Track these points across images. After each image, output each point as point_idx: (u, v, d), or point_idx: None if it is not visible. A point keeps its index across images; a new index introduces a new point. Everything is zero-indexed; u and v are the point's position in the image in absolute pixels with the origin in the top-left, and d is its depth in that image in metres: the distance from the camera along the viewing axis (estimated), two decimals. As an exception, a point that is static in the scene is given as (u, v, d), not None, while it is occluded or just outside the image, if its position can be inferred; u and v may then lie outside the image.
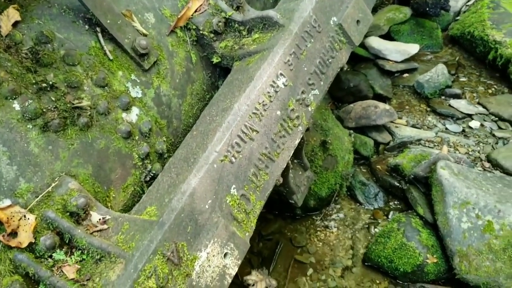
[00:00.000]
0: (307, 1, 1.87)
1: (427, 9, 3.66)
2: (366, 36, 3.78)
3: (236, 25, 1.95)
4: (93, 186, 1.59)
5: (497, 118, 3.15)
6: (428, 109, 3.31)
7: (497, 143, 2.95)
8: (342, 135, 2.82)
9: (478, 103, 3.30)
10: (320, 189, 2.67)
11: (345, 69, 2.03)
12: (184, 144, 1.69)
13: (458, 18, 3.99)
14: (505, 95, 3.33)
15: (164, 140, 1.82)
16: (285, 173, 1.91)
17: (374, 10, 4.13)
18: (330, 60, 1.92)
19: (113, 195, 1.67)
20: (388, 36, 3.86)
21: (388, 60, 3.61)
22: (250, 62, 1.81)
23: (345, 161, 2.77)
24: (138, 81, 1.76)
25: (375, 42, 3.66)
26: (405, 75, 3.61)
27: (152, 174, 1.77)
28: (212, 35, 1.93)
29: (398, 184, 2.76)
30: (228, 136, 1.56)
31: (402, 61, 3.61)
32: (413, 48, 3.62)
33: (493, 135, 3.02)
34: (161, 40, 1.85)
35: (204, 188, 1.47)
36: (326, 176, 2.67)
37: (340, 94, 3.40)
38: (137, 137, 1.72)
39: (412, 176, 2.64)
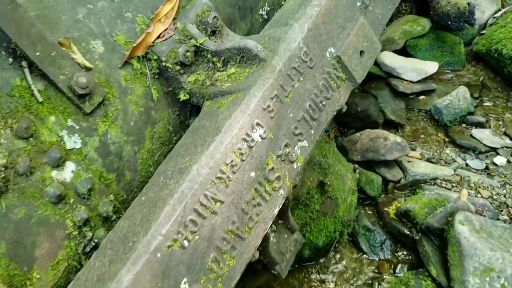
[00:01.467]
0: (296, 28, 1.48)
1: (449, 22, 3.23)
2: (378, 50, 3.37)
3: (209, 55, 1.57)
4: (7, 269, 1.23)
5: (526, 154, 2.73)
6: (447, 139, 2.89)
7: (526, 185, 2.53)
8: (344, 172, 2.43)
9: (505, 134, 2.87)
10: (317, 238, 2.29)
11: (343, 110, 1.64)
12: (129, 212, 1.32)
13: (484, 32, 3.54)
14: (537, 125, 2.90)
15: (111, 200, 1.45)
16: (264, 243, 1.53)
17: (389, 21, 3.70)
18: (324, 103, 1.53)
19: (38, 276, 1.30)
20: (403, 51, 3.43)
21: (402, 79, 3.19)
22: (221, 105, 1.43)
23: (346, 204, 2.37)
24: (77, 127, 1.39)
25: (388, 59, 3.24)
26: (421, 97, 3.19)
27: (94, 243, 1.41)
28: (178, 67, 1.55)
29: (408, 233, 2.36)
30: (181, 211, 1.18)
31: (419, 81, 3.19)
32: (432, 67, 3.19)
33: (522, 175, 2.59)
34: (111, 74, 1.47)
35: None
36: (324, 222, 2.29)
37: (346, 119, 3.00)
38: (71, 200, 1.36)
39: (425, 226, 2.24)
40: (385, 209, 2.49)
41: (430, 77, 3.25)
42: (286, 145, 1.41)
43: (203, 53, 1.58)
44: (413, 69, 3.18)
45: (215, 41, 1.61)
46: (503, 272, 1.89)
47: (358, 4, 1.67)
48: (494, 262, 1.92)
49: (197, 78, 1.56)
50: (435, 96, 3.17)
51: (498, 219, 2.36)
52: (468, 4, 3.17)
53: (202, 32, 1.59)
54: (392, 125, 3.00)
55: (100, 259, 1.22)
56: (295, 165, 1.44)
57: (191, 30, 1.56)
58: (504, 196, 2.48)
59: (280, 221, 1.72)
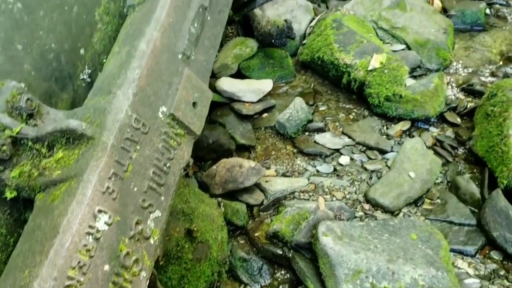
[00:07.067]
0: (121, 96, 1.42)
1: (273, 40, 3.41)
2: (216, 77, 3.44)
3: (30, 142, 1.42)
4: None
5: (364, 148, 3.00)
6: (295, 150, 3.05)
7: (371, 178, 2.78)
8: (209, 211, 2.41)
9: (343, 133, 3.13)
10: (196, 287, 2.23)
11: (191, 164, 1.61)
12: None
13: (304, 42, 3.81)
14: (366, 119, 3.21)
15: None
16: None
17: (220, 45, 3.79)
18: (168, 164, 1.49)
19: None
20: (239, 74, 3.55)
21: (244, 102, 3.29)
22: (55, 198, 1.30)
23: (218, 243, 2.36)
24: None
25: (227, 84, 3.31)
26: (265, 115, 3.32)
27: None
28: (-4, 165, 1.38)
29: (281, 252, 2.44)
30: None
31: (259, 101, 3.32)
32: (267, 85, 3.35)
33: (365, 169, 2.84)
34: None
35: None
36: (200, 269, 2.24)
37: (200, 153, 2.99)
38: None
39: (294, 244, 2.33)
40: (255, 234, 2.53)
41: (268, 94, 3.40)
42: (137, 223, 1.34)
43: (23, 142, 1.43)
44: (251, 91, 3.30)
45: (35, 125, 1.47)
46: (370, 271, 2.04)
47: (180, 56, 1.65)
48: (360, 263, 2.07)
49: (21, 171, 1.41)
50: (276, 111, 3.32)
51: (355, 217, 2.56)
52: (285, 21, 3.38)
53: (17, 118, 1.44)
54: (244, 149, 3.07)
55: None
56: (151, 241, 1.38)
57: (3, 120, 1.40)
58: (355, 193, 2.69)
59: (151, 294, 1.63)
